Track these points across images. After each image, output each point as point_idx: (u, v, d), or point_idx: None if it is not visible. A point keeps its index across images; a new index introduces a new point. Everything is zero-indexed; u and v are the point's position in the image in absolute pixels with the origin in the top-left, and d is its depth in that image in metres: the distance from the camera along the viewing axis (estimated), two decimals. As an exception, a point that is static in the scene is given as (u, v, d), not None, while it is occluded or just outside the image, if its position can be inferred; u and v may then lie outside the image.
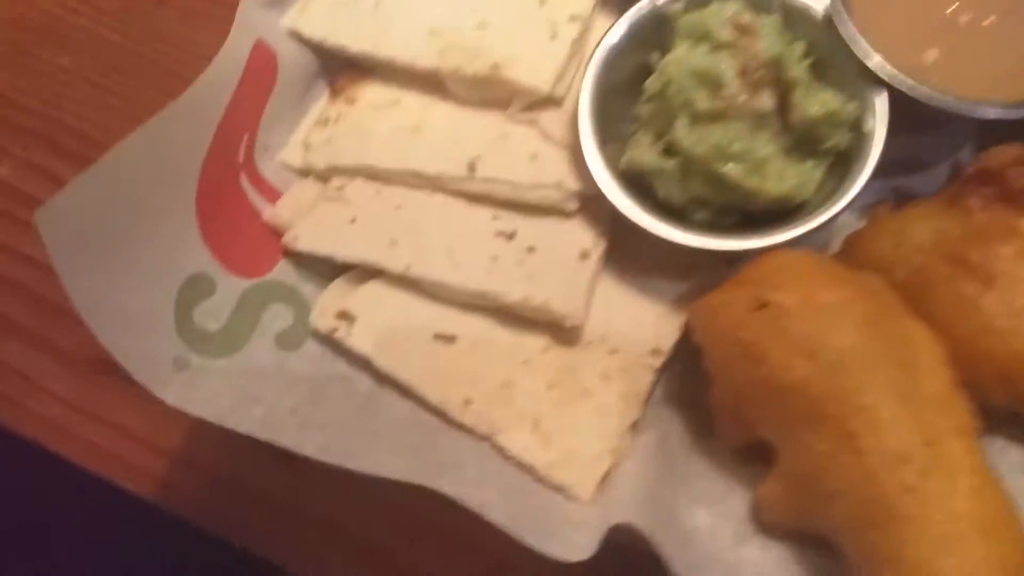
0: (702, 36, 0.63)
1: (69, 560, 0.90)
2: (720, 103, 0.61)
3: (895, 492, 0.48)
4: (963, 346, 0.57)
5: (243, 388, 0.58)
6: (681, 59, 0.63)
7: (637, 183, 0.66)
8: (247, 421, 0.56)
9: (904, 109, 0.65)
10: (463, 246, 0.65)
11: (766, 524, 0.57)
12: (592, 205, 0.68)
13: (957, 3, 0.66)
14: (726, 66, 0.62)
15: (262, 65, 0.68)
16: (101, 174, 0.54)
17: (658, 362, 0.64)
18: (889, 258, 0.63)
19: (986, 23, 0.66)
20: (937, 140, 0.70)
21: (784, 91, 0.62)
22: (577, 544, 0.54)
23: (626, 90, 0.68)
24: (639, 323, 0.66)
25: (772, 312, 0.56)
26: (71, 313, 0.56)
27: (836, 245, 0.67)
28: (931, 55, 0.66)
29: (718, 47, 0.62)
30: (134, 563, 0.88)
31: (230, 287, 0.62)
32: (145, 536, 0.87)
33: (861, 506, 0.50)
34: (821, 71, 0.65)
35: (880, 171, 0.67)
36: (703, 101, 0.62)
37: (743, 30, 0.62)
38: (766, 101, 0.61)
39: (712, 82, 0.62)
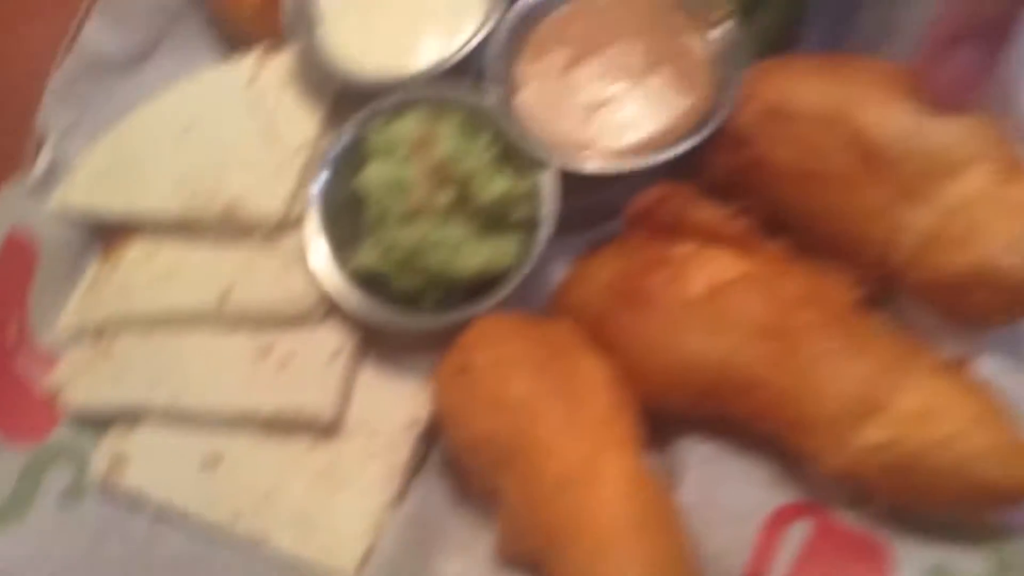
0: (390, 150, 0.73)
1: None
2: (412, 205, 0.71)
3: (561, 510, 0.57)
4: (637, 367, 0.66)
5: (31, 549, 0.65)
6: (375, 173, 0.73)
7: (377, 281, 0.76)
8: None
9: (587, 177, 0.75)
10: (221, 372, 0.73)
11: (511, 559, 0.65)
12: (340, 310, 0.77)
13: (605, 80, 0.77)
14: (411, 173, 0.71)
15: (18, 252, 0.76)
16: None
17: (415, 432, 0.72)
18: (580, 302, 0.72)
19: (627, 93, 0.76)
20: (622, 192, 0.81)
21: (463, 183, 0.72)
22: None
23: (352, 206, 0.77)
24: (397, 402, 0.74)
25: (468, 376, 0.65)
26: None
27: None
28: (589, 130, 0.77)
29: (404, 158, 0.72)
30: None
31: (11, 458, 0.70)
32: None
33: (543, 528, 0.58)
34: (507, 155, 0.76)
35: (585, 223, 0.79)
36: (399, 205, 0.71)
37: (422, 141, 0.72)
38: (449, 195, 0.71)
39: (403, 188, 0.72)
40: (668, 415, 0.68)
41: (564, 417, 0.61)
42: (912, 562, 0.56)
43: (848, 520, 0.60)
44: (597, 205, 0.79)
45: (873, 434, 0.56)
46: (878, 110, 0.65)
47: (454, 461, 0.68)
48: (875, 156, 0.65)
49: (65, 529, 0.67)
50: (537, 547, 0.59)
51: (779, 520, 0.60)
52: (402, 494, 0.71)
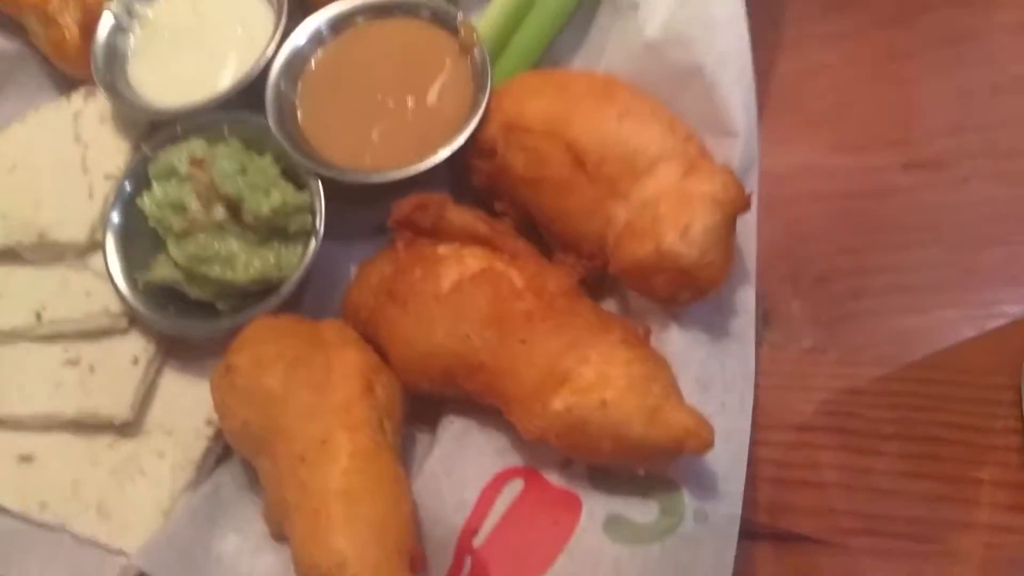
0: (170, 172, 0.81)
1: None
2: (188, 222, 0.79)
3: (291, 488, 0.65)
4: (396, 359, 0.75)
5: None
6: (156, 195, 0.81)
7: (177, 293, 0.83)
8: None
9: (365, 187, 0.84)
10: (33, 381, 0.81)
11: (275, 535, 0.73)
12: (141, 320, 0.85)
13: (376, 98, 0.85)
14: (186, 193, 0.79)
15: None
16: None
17: (211, 431, 0.80)
18: (358, 303, 0.81)
19: (395, 109, 0.85)
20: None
21: (233, 202, 0.80)
22: None
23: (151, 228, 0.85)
24: (196, 403, 0.82)
25: (231, 374, 0.73)
26: None
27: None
28: (362, 145, 0.85)
29: (182, 180, 0.80)
30: None
31: None
32: None
33: (278, 507, 0.66)
34: (289, 172, 0.84)
35: (376, 230, 0.87)
36: (177, 224, 0.79)
37: (196, 163, 0.80)
38: (219, 213, 0.79)
39: (179, 207, 0.80)
40: (431, 397, 0.77)
41: (308, 405, 0.69)
42: (595, 512, 0.64)
43: (554, 479, 0.68)
44: (377, 214, 0.88)
45: (556, 403, 0.65)
46: (584, 119, 0.74)
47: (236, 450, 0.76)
48: (584, 161, 0.73)
49: None
50: (281, 520, 0.67)
51: (497, 481, 0.69)
52: (196, 485, 0.79)
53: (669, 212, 0.68)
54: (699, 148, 0.72)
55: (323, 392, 0.70)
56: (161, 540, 0.72)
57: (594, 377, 0.64)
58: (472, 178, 0.84)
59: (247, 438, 0.70)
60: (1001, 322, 0.90)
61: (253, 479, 0.79)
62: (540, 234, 0.80)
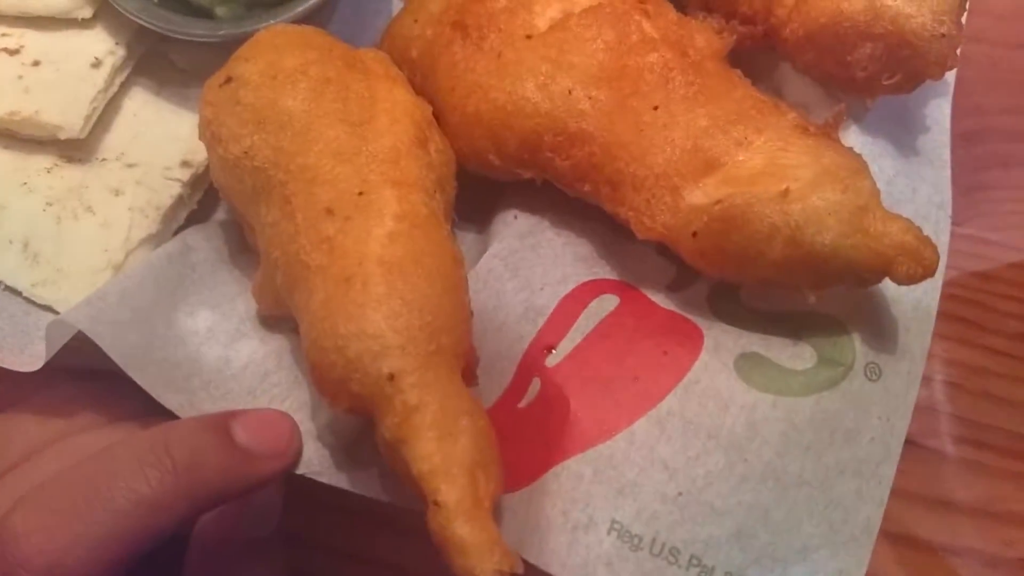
0: None
1: None
2: None
3: (311, 245, 0.45)
4: (457, 114, 0.55)
5: None
6: None
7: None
8: None
9: None
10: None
11: (264, 316, 0.54)
12: (113, 13, 0.61)
13: None
14: None
15: None
16: None
17: (187, 175, 0.60)
18: (409, 36, 0.59)
19: None
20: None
21: None
22: (38, 354, 0.50)
23: None
24: (170, 136, 0.61)
25: (233, 85, 0.51)
26: None
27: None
28: None
29: None
30: None
31: None
32: None
33: (289, 267, 0.47)
34: None
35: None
36: None
37: None
38: None
39: None
40: (487, 184, 0.57)
41: (344, 144, 0.49)
42: (722, 346, 0.47)
43: (661, 301, 0.50)
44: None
45: (697, 193, 0.46)
46: None
47: (226, 198, 0.56)
48: None
49: None
50: (285, 287, 0.48)
51: (583, 292, 0.50)
52: (160, 240, 0.59)
53: (891, -41, 0.48)
54: None
55: (363, 131, 0.50)
56: (110, 298, 0.51)
57: (761, 164, 0.45)
58: None
59: (247, 173, 0.50)
60: None
61: (236, 247, 0.59)
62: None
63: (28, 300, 0.55)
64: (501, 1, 0.55)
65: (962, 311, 0.73)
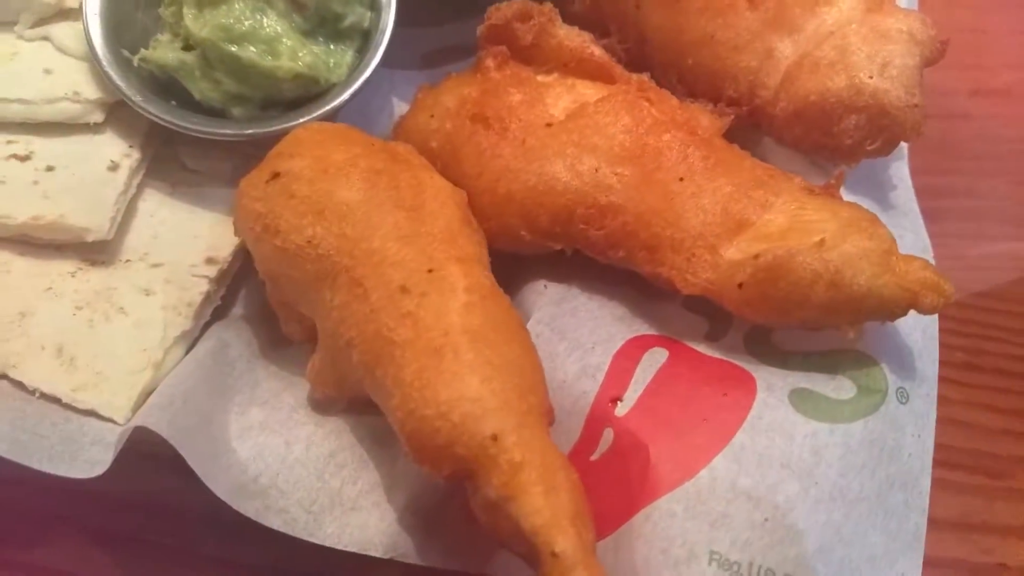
0: (196, -77, 0.60)
1: None
2: (220, -18, 0.59)
3: (394, 322, 0.48)
4: (487, 196, 0.58)
5: None
6: (173, -59, 0.60)
7: (173, 89, 0.62)
8: None
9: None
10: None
11: (320, 400, 0.55)
12: (125, 116, 0.63)
13: None
14: (221, -57, 0.59)
15: None
16: None
17: (213, 271, 0.60)
18: (426, 130, 0.63)
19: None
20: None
21: (285, -31, 0.60)
22: (99, 460, 0.49)
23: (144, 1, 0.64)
24: (191, 234, 0.62)
25: (283, 180, 0.54)
26: None
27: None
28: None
29: (211, -73, 0.60)
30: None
31: None
32: None
33: (369, 345, 0.48)
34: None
35: (431, 61, 0.69)
36: (203, -18, 0.59)
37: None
38: (266, -26, 0.60)
39: (208, -39, 0.59)
40: (513, 259, 0.61)
41: (404, 227, 0.52)
42: (774, 386, 0.52)
43: (704, 350, 0.54)
44: (448, 36, 0.71)
45: (737, 250, 0.51)
46: (753, -67, 0.61)
47: (269, 291, 0.57)
48: (749, -21, 0.60)
49: None
50: (365, 368, 0.49)
51: (632, 348, 0.54)
52: (192, 337, 0.59)
53: (862, 46, 0.57)
54: (882, -17, 0.61)
55: (418, 215, 0.53)
56: (175, 399, 0.51)
57: (786, 222, 0.52)
58: (572, 0, 0.69)
59: (309, 261, 0.51)
60: (1069, 259, 0.87)
61: (265, 340, 0.60)
62: (657, 78, 0.66)
63: (67, 406, 0.53)
64: (516, 95, 0.61)
65: (915, 347, 0.82)
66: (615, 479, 0.49)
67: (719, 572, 0.45)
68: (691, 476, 0.48)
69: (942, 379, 0.80)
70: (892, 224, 0.59)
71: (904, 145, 0.65)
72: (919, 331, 0.54)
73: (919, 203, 0.85)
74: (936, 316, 0.56)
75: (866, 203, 0.60)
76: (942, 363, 0.81)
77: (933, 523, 0.75)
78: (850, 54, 0.57)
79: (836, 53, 0.58)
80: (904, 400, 0.51)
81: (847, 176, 0.60)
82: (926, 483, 0.51)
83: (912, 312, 0.50)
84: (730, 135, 0.62)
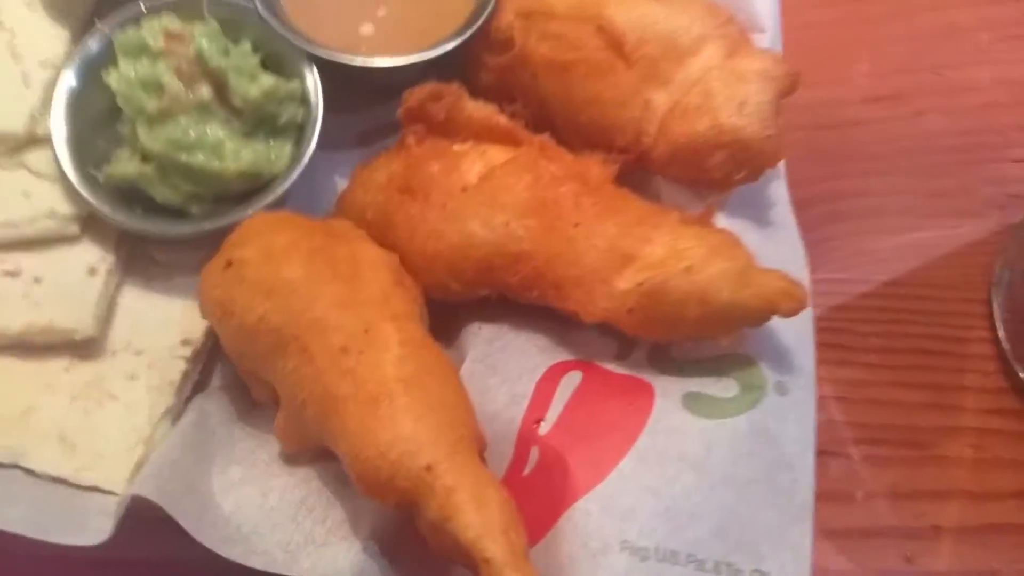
0: (141, 50, 0.70)
1: None
2: (166, 102, 0.68)
3: (337, 379, 0.56)
4: (419, 257, 0.67)
5: None
6: (124, 73, 0.69)
7: (137, 196, 0.71)
8: None
9: (361, 83, 0.76)
10: (-38, 296, 0.66)
11: (289, 453, 0.63)
12: (97, 226, 0.72)
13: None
14: (163, 70, 0.68)
15: None
16: None
17: (189, 351, 0.69)
18: (362, 204, 0.72)
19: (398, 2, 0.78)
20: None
21: (219, 82, 0.69)
22: (102, 528, 0.57)
23: (105, 116, 0.73)
24: (166, 321, 0.70)
25: (235, 268, 0.62)
26: None
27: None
28: (365, 30, 0.78)
29: (155, 56, 0.69)
30: None
31: None
32: None
33: (319, 403, 0.57)
34: (273, 60, 0.74)
35: (362, 140, 0.79)
36: (151, 104, 0.68)
37: (173, 37, 0.69)
38: (204, 92, 0.69)
39: (155, 86, 0.68)
40: (451, 305, 0.70)
41: (342, 295, 0.60)
42: (670, 392, 0.60)
43: (614, 368, 0.63)
44: (375, 118, 0.80)
45: (621, 282, 0.60)
46: (620, 3, 0.70)
47: (235, 365, 0.65)
48: (622, 42, 0.69)
49: None
50: (318, 423, 0.57)
51: (553, 374, 0.63)
52: (176, 411, 0.67)
53: (722, 89, 0.66)
54: (739, 30, 0.70)
55: (354, 283, 0.61)
56: (163, 469, 0.60)
57: (664, 252, 0.60)
58: (479, 76, 0.78)
59: (262, 335, 0.60)
60: (962, 243, 0.96)
61: (240, 407, 0.69)
62: (558, 135, 0.75)
63: (72, 485, 0.62)
64: (436, 166, 0.70)
65: (833, 339, 0.90)
66: (543, 490, 0.57)
67: (630, 558, 0.53)
68: (603, 478, 0.56)
69: (860, 364, 0.90)
70: (769, 238, 0.68)
71: (782, 165, 0.74)
72: (792, 331, 0.63)
73: (820, 208, 0.96)
74: (809, 316, 0.64)
75: (748, 221, 0.69)
76: (859, 349, 0.91)
77: (866, 497, 0.84)
78: (712, 97, 0.66)
79: (701, 98, 0.67)
80: (783, 393, 0.60)
81: (732, 198, 0.70)
82: (810, 461, 0.59)
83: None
84: (628, 176, 0.71)
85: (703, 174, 0.67)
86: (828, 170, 0.99)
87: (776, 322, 0.61)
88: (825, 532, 0.82)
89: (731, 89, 0.66)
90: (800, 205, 0.95)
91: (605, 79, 0.71)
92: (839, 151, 1.00)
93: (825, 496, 0.81)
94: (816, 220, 0.95)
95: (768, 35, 0.75)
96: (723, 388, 0.60)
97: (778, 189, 0.72)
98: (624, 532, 0.54)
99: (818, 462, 0.82)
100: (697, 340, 0.61)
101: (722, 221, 0.68)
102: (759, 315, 0.57)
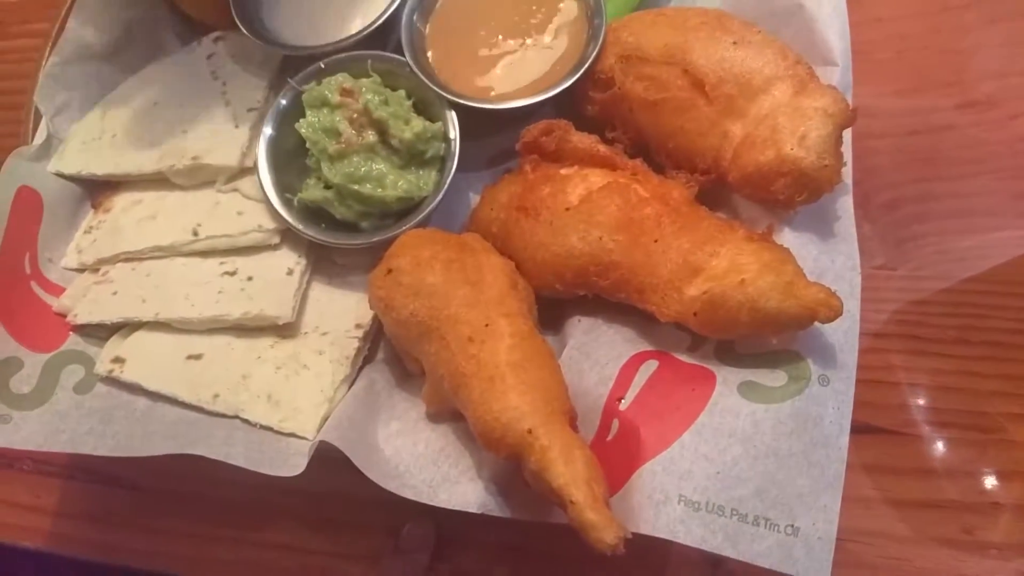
0: (322, 103, 0.90)
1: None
2: (342, 145, 0.89)
3: (465, 361, 0.75)
4: (531, 264, 0.85)
5: (52, 425, 0.82)
6: (311, 121, 0.90)
7: (322, 213, 0.93)
8: (56, 444, 0.80)
9: (489, 119, 0.93)
10: (196, 289, 0.90)
11: (431, 414, 0.83)
12: (292, 237, 0.94)
13: (498, 38, 0.95)
14: (339, 119, 0.89)
15: (28, 204, 0.93)
16: None
17: (361, 332, 0.90)
18: (488, 220, 0.90)
19: (516, 48, 0.95)
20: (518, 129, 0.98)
21: (381, 127, 0.89)
22: (298, 464, 0.79)
23: (297, 151, 0.94)
24: (344, 310, 0.92)
25: (394, 274, 0.82)
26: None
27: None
28: (493, 75, 0.95)
29: (333, 108, 0.90)
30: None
31: (35, 361, 0.88)
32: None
33: (452, 379, 0.76)
34: (422, 105, 0.93)
35: (492, 162, 0.97)
36: (331, 146, 0.89)
37: (346, 93, 0.90)
38: (370, 136, 0.89)
39: (333, 132, 0.89)
40: (559, 301, 0.87)
41: (469, 297, 0.79)
42: (728, 380, 0.74)
43: (684, 359, 0.78)
44: (501, 144, 0.97)
45: (691, 289, 0.75)
46: (702, 46, 0.83)
47: (396, 347, 0.86)
48: (701, 83, 0.83)
49: (80, 409, 0.85)
50: (452, 392, 0.76)
51: (634, 361, 0.79)
52: (353, 378, 0.88)
53: (786, 123, 0.78)
54: (807, 70, 0.82)
55: (479, 287, 0.80)
56: (343, 421, 0.81)
57: (727, 266, 0.74)
58: (585, 108, 0.93)
59: (413, 326, 0.80)
60: (1045, 241, 1.01)
61: (398, 376, 0.89)
62: (651, 158, 0.90)
63: (276, 432, 0.85)
64: (546, 189, 0.86)
65: (911, 331, 0.99)
66: (620, 453, 0.74)
67: (685, 508, 0.69)
68: (667, 446, 0.71)
69: (935, 354, 0.99)
70: (829, 249, 0.80)
71: (849, 181, 0.84)
72: (839, 332, 0.75)
73: (908, 209, 1.04)
74: (855, 319, 0.75)
75: (811, 234, 0.81)
76: (935, 340, 1.00)
77: (932, 473, 0.94)
78: (777, 131, 0.78)
79: (768, 131, 0.79)
80: (825, 384, 0.72)
81: (800, 212, 0.82)
82: (844, 441, 0.71)
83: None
84: (710, 192, 0.85)
85: (770, 195, 0.80)
86: (918, 173, 1.05)
87: (828, 325, 0.73)
88: (890, 501, 0.93)
89: (794, 124, 0.78)
90: (889, 206, 1.05)
91: (689, 113, 0.84)
92: (930, 155, 1.06)
93: (891, 470, 0.93)
94: (903, 220, 1.03)
95: (839, 69, 0.85)
96: (774, 378, 0.73)
97: (843, 204, 0.83)
98: (681, 488, 0.69)
99: (887, 440, 0.94)
100: (751, 339, 0.75)
101: (789, 234, 0.80)
102: (802, 321, 0.70)
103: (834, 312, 0.69)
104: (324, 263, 0.95)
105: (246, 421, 0.85)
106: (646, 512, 0.69)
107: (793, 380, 0.73)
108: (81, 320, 0.90)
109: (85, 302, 0.91)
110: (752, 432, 0.71)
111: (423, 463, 0.79)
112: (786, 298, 0.70)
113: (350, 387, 0.88)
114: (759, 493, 0.69)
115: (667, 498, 0.69)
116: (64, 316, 0.91)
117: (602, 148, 0.87)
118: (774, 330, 0.72)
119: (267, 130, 0.94)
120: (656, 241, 0.78)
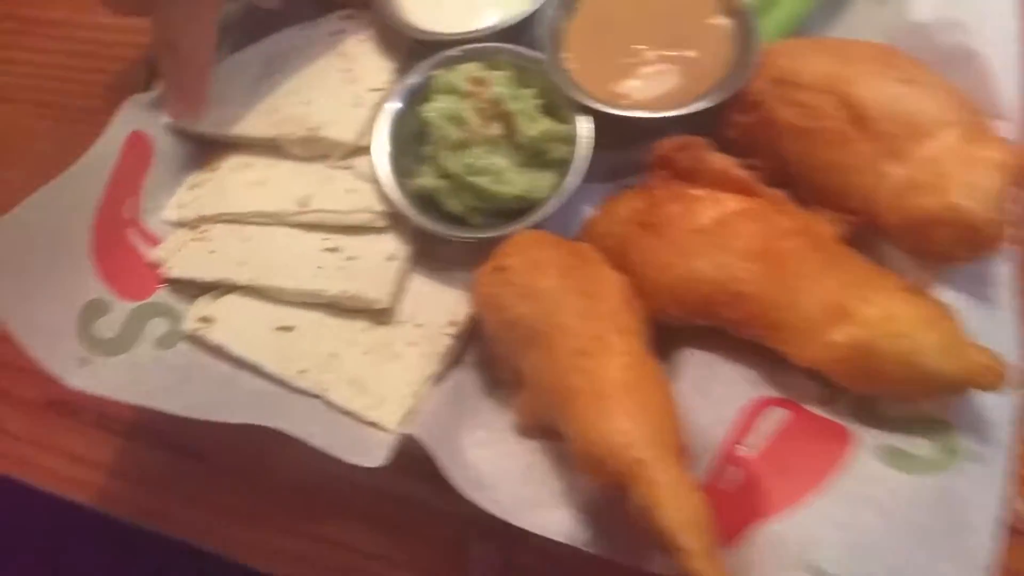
0: (451, 90, 0.87)
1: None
2: (465, 134, 0.85)
3: (572, 374, 0.69)
4: (647, 283, 0.79)
5: (130, 375, 0.79)
6: (437, 107, 0.87)
7: (431, 204, 0.89)
8: (133, 396, 0.77)
9: (618, 129, 0.89)
10: (296, 261, 0.87)
11: (521, 427, 0.77)
12: (398, 222, 0.90)
13: (640, 47, 0.91)
14: (467, 108, 0.85)
15: (137, 148, 0.91)
16: (9, 224, 0.77)
17: (454, 330, 0.85)
18: (605, 231, 0.85)
19: (658, 58, 0.90)
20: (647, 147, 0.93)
21: (510, 120, 0.85)
22: (379, 456, 0.74)
23: (415, 137, 0.91)
24: (441, 304, 0.87)
25: (504, 273, 0.77)
26: (25, 367, 0.77)
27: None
28: (631, 83, 0.90)
29: (462, 96, 0.86)
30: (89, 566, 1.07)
31: (121, 308, 0.85)
32: (98, 540, 1.06)
33: (556, 391, 0.70)
34: (550, 106, 0.89)
35: (612, 176, 0.92)
36: (454, 134, 0.85)
37: (477, 82, 0.86)
38: (496, 129, 0.85)
39: (459, 120, 0.85)
40: (671, 329, 0.80)
41: (582, 307, 0.73)
42: (867, 441, 0.67)
43: (816, 411, 0.70)
44: (625, 158, 0.92)
45: (836, 335, 0.68)
46: (867, 79, 0.77)
47: (488, 348, 0.80)
48: (862, 117, 0.76)
49: (159, 364, 0.82)
50: (553, 406, 0.70)
51: (758, 406, 0.72)
52: (440, 376, 0.83)
53: (955, 171, 0.71)
54: (980, 119, 0.75)
55: (593, 299, 0.74)
56: (428, 418, 0.76)
57: (879, 314, 0.67)
58: (727, 130, 0.87)
59: (519, 329, 0.74)
60: None
61: (486, 382, 0.84)
62: (792, 192, 0.83)
63: (359, 418, 0.80)
64: (674, 207, 0.80)
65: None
66: (737, 503, 0.67)
67: (813, 577, 0.61)
68: (793, 505, 0.64)
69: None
70: (987, 318, 0.72)
71: (1014, 250, 0.77)
72: (995, 406, 0.67)
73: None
74: (1013, 397, 0.67)
75: (968, 297, 0.73)
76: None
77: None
78: (944, 178, 0.71)
79: (934, 177, 0.72)
80: (975, 460, 0.64)
81: (957, 273, 0.74)
82: (994, 529, 0.63)
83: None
84: (856, 237, 0.78)
85: (927, 246, 0.72)
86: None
87: (980, 395, 0.65)
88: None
89: (964, 172, 0.71)
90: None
91: (844, 147, 0.78)
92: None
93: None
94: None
95: (1011, 124, 0.78)
96: (919, 447, 0.66)
97: (1005, 271, 0.75)
98: (808, 554, 0.62)
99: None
100: (898, 399, 0.67)
101: (943, 293, 0.73)
102: (959, 386, 0.63)
103: (998, 379, 0.62)
104: (426, 254, 0.91)
105: (329, 403, 0.81)
106: (765, 573, 0.62)
107: (941, 451, 0.65)
108: (175, 274, 0.87)
109: (180, 256, 0.88)
110: (891, 503, 0.63)
111: (509, 478, 0.73)
112: (946, 358, 0.63)
113: (436, 384, 0.83)
114: (896, 571, 0.61)
115: (792, 564, 0.62)
116: (156, 268, 0.89)
117: (740, 172, 0.81)
118: (925, 390, 0.65)
119: (391, 109, 0.91)
120: (799, 276, 0.72)
